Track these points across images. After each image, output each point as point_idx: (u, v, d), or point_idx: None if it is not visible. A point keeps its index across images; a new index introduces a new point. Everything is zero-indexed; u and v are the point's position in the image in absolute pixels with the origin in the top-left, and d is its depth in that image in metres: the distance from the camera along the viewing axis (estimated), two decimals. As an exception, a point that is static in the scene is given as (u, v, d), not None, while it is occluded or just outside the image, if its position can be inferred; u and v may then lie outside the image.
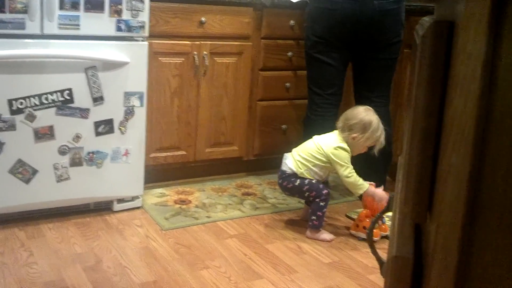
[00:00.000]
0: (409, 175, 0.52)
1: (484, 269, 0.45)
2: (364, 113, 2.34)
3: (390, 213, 2.07)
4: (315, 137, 2.42)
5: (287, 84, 3.11)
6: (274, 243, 2.30)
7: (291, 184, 2.36)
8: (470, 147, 0.43)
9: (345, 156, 2.32)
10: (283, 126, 3.16)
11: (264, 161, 3.21)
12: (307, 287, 1.96)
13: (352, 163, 2.91)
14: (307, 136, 2.80)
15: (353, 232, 2.41)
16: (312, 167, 2.35)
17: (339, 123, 2.40)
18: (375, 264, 2.14)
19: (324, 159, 2.34)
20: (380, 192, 2.35)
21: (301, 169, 2.35)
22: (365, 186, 2.31)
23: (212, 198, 2.76)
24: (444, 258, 0.46)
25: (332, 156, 2.31)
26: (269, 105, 3.10)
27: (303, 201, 2.67)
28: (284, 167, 2.40)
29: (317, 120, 2.71)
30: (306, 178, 2.35)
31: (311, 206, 2.37)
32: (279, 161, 3.25)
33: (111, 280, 1.90)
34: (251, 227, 2.45)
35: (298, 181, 2.35)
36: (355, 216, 2.59)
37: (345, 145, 2.33)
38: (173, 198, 2.72)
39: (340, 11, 2.54)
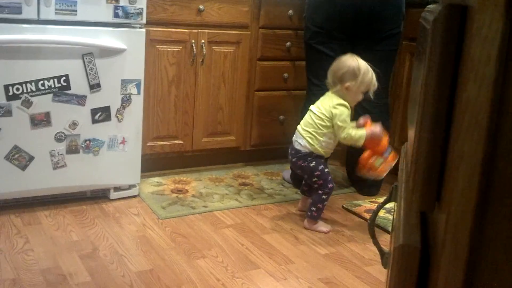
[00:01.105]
0: (417, 162, 0.51)
1: (495, 258, 0.44)
2: (350, 60, 2.29)
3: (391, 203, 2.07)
4: (312, 107, 2.37)
5: (285, 75, 3.09)
6: (270, 234, 2.29)
7: (305, 163, 2.32)
8: (484, 134, 0.42)
9: (346, 114, 2.26)
10: (281, 117, 3.14)
11: (261, 151, 3.20)
12: (304, 277, 1.95)
13: (349, 154, 2.91)
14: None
15: (361, 175, 2.36)
16: (321, 138, 2.30)
17: (328, 80, 2.33)
18: (372, 256, 2.15)
19: (328, 123, 2.28)
20: (376, 130, 2.27)
21: (313, 145, 2.31)
22: (363, 135, 2.25)
23: (209, 188, 2.75)
24: (455, 248, 0.45)
25: (334, 116, 2.26)
26: (266, 95, 3.08)
27: (299, 192, 2.67)
28: (298, 147, 2.35)
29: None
30: (321, 162, 2.32)
31: (312, 197, 2.36)
32: (276, 151, 3.25)
33: (107, 268, 1.89)
34: (248, 217, 2.44)
35: (313, 163, 2.32)
36: (352, 208, 2.59)
37: (343, 101, 2.27)
38: (170, 187, 2.71)
39: (340, 1, 2.52)
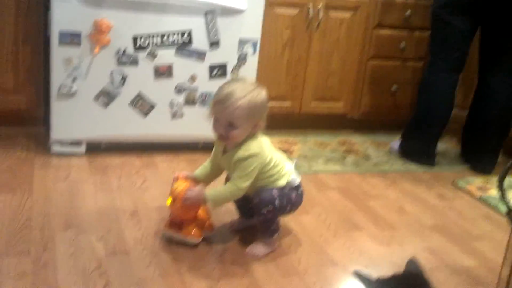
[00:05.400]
0: None
1: None
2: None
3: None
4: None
5: (402, 44, 3.01)
6: (375, 200, 2.28)
7: None
8: None
9: None
10: (393, 87, 3.07)
11: (370, 120, 3.16)
12: (408, 245, 1.93)
13: (466, 131, 2.80)
14: (421, 99, 2.73)
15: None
16: None
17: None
18: (480, 233, 2.08)
19: None
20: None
21: None
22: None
23: (314, 151, 2.78)
24: None
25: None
26: (380, 64, 3.02)
27: (408, 164, 2.63)
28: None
29: (435, 84, 2.62)
30: None
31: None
32: (385, 122, 3.19)
33: (216, 213, 1.99)
34: (353, 183, 2.44)
35: None
36: (464, 185, 2.50)
37: None
38: (276, 147, 2.76)
39: None
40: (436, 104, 2.64)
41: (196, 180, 1.80)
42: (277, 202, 1.70)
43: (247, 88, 1.66)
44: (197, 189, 1.70)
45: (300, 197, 1.80)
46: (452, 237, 2.03)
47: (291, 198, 1.75)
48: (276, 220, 1.75)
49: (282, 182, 1.74)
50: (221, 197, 1.71)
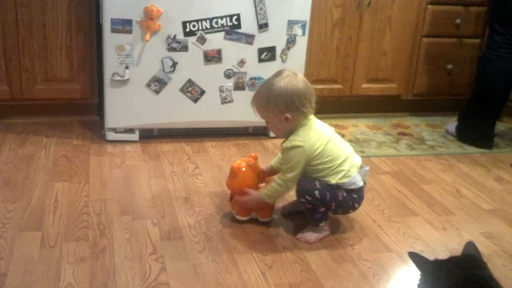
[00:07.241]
0: None
1: None
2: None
3: None
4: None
5: (457, 21, 2.88)
6: (430, 184, 2.22)
7: None
8: None
9: None
10: (449, 66, 2.97)
11: (424, 101, 3.07)
12: (464, 230, 1.87)
13: None
14: (479, 77, 2.62)
15: None
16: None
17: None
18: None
19: None
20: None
21: None
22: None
23: (366, 135, 2.73)
24: None
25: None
26: (435, 42, 2.91)
27: (464, 146, 2.54)
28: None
29: (495, 60, 2.50)
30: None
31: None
32: (440, 103, 3.09)
33: (267, 198, 1.99)
34: (407, 166, 2.38)
35: None
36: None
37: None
38: (327, 130, 2.73)
39: None
40: (494, 82, 2.53)
41: (268, 171, 1.86)
42: (317, 193, 1.66)
43: (268, 81, 1.71)
44: (252, 193, 1.76)
45: (350, 201, 1.71)
46: (510, 221, 1.95)
47: (337, 196, 1.68)
48: (319, 210, 1.71)
49: (331, 180, 1.67)
50: (273, 192, 1.73)
